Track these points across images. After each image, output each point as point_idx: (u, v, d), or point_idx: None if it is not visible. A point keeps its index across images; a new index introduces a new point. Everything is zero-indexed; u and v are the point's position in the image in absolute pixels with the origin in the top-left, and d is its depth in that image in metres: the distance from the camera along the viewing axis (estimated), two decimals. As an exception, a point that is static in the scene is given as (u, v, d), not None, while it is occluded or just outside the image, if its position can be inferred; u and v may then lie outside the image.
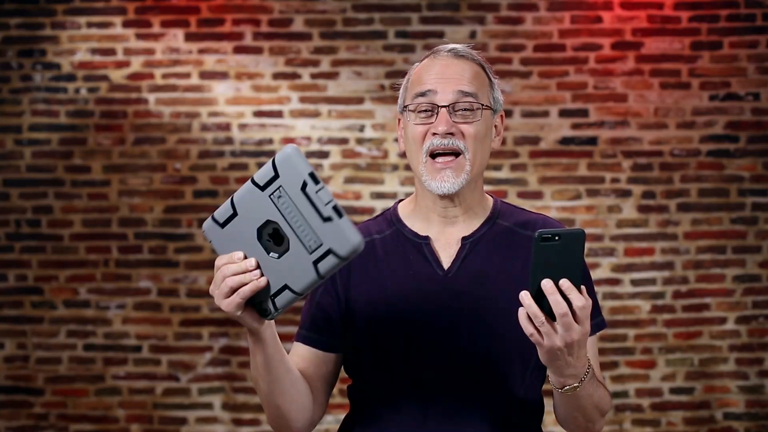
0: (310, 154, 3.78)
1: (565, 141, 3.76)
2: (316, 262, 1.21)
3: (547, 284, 1.23)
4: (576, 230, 1.25)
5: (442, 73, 1.50)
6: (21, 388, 3.80)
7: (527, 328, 1.26)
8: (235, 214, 1.25)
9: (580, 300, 1.24)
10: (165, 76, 3.80)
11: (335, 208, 1.18)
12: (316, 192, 1.18)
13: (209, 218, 1.28)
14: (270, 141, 3.78)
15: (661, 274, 3.74)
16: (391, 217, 1.58)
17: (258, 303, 1.27)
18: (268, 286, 1.25)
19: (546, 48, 3.76)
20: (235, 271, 1.24)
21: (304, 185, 1.18)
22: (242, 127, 3.79)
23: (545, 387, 1.58)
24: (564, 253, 1.24)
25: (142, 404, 3.77)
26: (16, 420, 3.78)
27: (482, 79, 1.52)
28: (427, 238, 1.52)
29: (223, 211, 1.26)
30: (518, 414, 1.50)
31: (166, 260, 3.79)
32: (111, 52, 3.81)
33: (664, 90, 3.75)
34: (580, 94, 3.76)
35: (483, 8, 3.77)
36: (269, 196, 1.21)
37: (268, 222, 1.23)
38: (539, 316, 1.24)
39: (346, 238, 1.18)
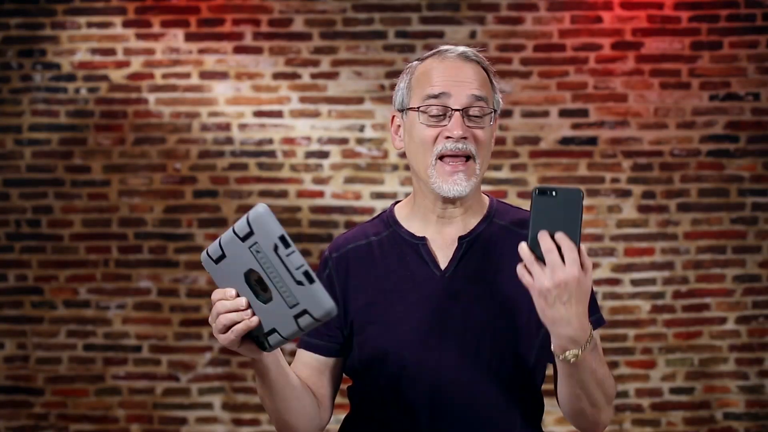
0: (310, 154, 3.78)
1: (565, 141, 3.76)
2: (296, 317, 1.22)
3: (541, 234, 1.26)
4: (573, 188, 1.28)
5: (455, 75, 1.49)
6: (21, 388, 3.80)
7: (523, 276, 1.27)
8: (224, 256, 1.25)
9: (570, 249, 1.25)
10: (165, 76, 3.80)
11: (306, 274, 1.19)
12: (287, 256, 1.19)
13: (205, 251, 1.29)
14: (270, 141, 3.78)
15: (661, 274, 3.74)
16: (387, 219, 1.58)
17: (255, 336, 1.29)
18: (260, 324, 1.26)
19: (546, 48, 3.76)
20: (228, 308, 1.26)
21: (276, 247, 1.19)
22: (242, 127, 3.79)
23: (545, 387, 1.58)
24: (561, 209, 1.26)
25: (142, 404, 3.77)
26: (16, 420, 3.78)
27: (488, 84, 1.52)
28: (423, 239, 1.53)
29: (214, 249, 1.27)
30: (518, 412, 1.50)
31: (166, 260, 3.79)
32: (111, 52, 3.81)
33: (664, 90, 3.75)
34: (580, 94, 3.76)
35: (483, 8, 3.77)
36: (249, 248, 1.22)
37: (251, 269, 1.23)
38: (529, 258, 1.26)
39: (319, 303, 1.20)
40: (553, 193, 1.26)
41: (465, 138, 1.46)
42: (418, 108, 1.49)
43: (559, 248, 1.26)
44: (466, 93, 1.47)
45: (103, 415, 3.78)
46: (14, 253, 3.82)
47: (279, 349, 1.36)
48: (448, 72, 1.49)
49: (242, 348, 1.30)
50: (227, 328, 1.27)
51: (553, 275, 1.25)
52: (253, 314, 1.25)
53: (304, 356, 1.55)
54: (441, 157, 1.47)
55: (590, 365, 1.34)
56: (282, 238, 1.19)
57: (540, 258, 1.26)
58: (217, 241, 1.26)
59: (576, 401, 1.40)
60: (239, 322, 1.26)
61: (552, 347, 1.32)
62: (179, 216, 3.80)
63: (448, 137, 1.46)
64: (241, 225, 1.22)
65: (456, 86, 1.48)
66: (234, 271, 1.25)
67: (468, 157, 1.47)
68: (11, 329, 3.81)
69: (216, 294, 1.28)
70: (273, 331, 1.26)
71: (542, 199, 1.26)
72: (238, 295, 1.26)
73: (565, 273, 1.25)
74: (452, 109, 1.47)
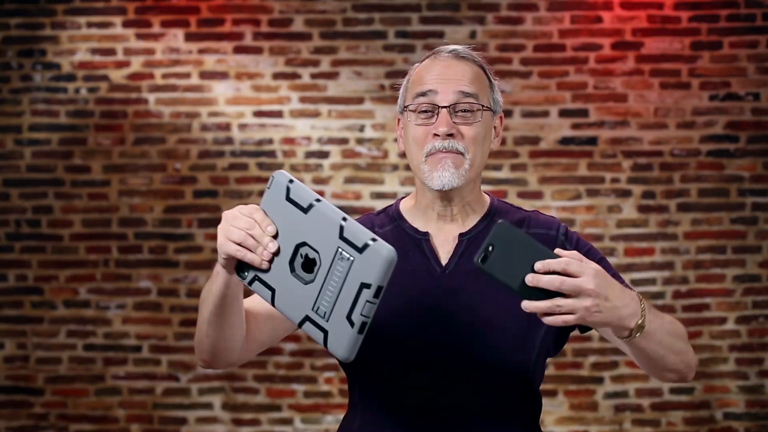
0: (310, 154, 3.78)
1: (565, 141, 3.76)
2: (308, 318, 1.21)
3: (528, 278, 1.20)
4: (496, 227, 1.21)
5: (443, 73, 1.50)
6: (21, 388, 3.80)
7: (557, 322, 1.21)
8: (304, 211, 1.20)
9: (560, 262, 1.20)
10: (165, 76, 3.80)
11: (363, 324, 1.18)
12: (367, 301, 1.16)
13: (287, 178, 1.22)
14: (270, 141, 3.78)
15: (661, 274, 3.74)
16: (393, 213, 1.59)
17: (244, 264, 1.26)
18: (267, 271, 1.23)
19: (546, 48, 3.76)
20: (256, 235, 1.23)
21: (368, 286, 1.16)
22: (242, 127, 3.79)
23: (544, 387, 1.58)
24: (511, 249, 1.20)
25: (142, 404, 3.77)
26: (16, 420, 3.78)
27: (483, 81, 1.53)
28: (426, 234, 1.53)
29: (301, 194, 1.21)
30: (517, 410, 1.50)
31: (166, 260, 3.80)
32: (111, 52, 3.81)
33: (664, 90, 3.75)
34: (580, 94, 3.76)
35: (483, 8, 3.77)
36: (338, 248, 1.17)
37: (317, 252, 1.19)
38: (548, 304, 1.21)
39: (345, 347, 1.18)
40: (490, 249, 1.20)
41: (451, 135, 1.46)
42: (409, 107, 1.51)
43: (556, 273, 1.20)
44: (453, 89, 1.48)
45: (103, 415, 3.78)
46: (14, 253, 3.82)
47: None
48: (437, 70, 1.51)
49: (228, 260, 1.27)
50: (238, 244, 1.24)
51: (583, 293, 1.20)
52: (270, 262, 1.23)
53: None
54: (431, 155, 1.48)
55: (656, 324, 1.32)
56: (379, 289, 1.16)
57: (552, 295, 1.20)
58: (311, 194, 1.20)
59: (663, 361, 1.38)
60: (252, 253, 1.23)
61: (618, 337, 1.29)
62: (179, 216, 3.80)
63: (435, 135, 1.47)
64: (354, 232, 1.16)
65: (443, 83, 1.49)
66: (295, 227, 1.20)
67: (458, 154, 1.47)
68: (11, 329, 3.81)
69: (258, 214, 1.24)
70: (270, 288, 1.23)
71: (490, 262, 1.20)
72: (275, 238, 1.22)
73: (589, 280, 1.20)
74: (439, 107, 1.48)
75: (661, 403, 3.73)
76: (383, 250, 1.15)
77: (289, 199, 1.22)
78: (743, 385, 3.73)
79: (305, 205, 1.20)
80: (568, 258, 1.21)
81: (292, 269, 1.22)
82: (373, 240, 1.16)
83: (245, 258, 1.24)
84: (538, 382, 1.55)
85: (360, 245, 1.16)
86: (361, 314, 1.16)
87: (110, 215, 3.81)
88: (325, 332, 1.19)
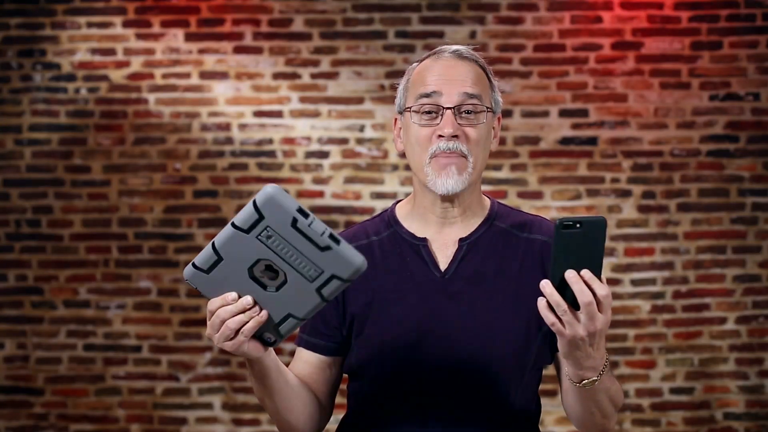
0: (310, 154, 3.78)
1: (565, 141, 3.76)
2: (319, 288, 1.21)
3: (570, 274, 1.21)
4: (597, 217, 1.22)
5: (447, 74, 1.49)
6: (21, 388, 3.80)
7: (548, 318, 1.23)
8: (220, 259, 1.22)
9: (603, 289, 1.22)
10: (165, 76, 3.80)
11: (331, 236, 1.17)
12: (309, 225, 1.17)
13: (190, 266, 1.24)
14: (270, 141, 3.78)
15: (661, 274, 3.74)
16: (388, 218, 1.57)
17: (260, 335, 1.27)
18: (269, 318, 1.25)
19: (546, 48, 3.76)
20: (233, 312, 1.23)
21: (294, 221, 1.16)
22: (242, 127, 3.79)
23: (544, 387, 1.59)
24: (585, 241, 1.21)
25: (142, 404, 3.77)
26: (16, 420, 3.78)
27: (484, 82, 1.52)
28: (424, 239, 1.52)
29: (205, 257, 1.22)
30: (516, 414, 1.50)
31: (166, 260, 3.79)
32: (111, 52, 3.81)
33: (664, 90, 3.75)
34: (580, 94, 3.76)
35: (483, 8, 3.77)
36: (256, 237, 1.19)
37: (258, 260, 1.21)
38: (562, 304, 1.21)
39: (348, 261, 1.18)
40: (578, 225, 1.20)
41: (456, 137, 1.46)
42: (412, 108, 1.50)
43: (590, 288, 1.21)
44: (458, 91, 1.47)
45: (103, 415, 3.78)
46: (14, 253, 3.82)
47: (274, 350, 1.35)
48: (440, 71, 1.49)
49: (249, 349, 1.27)
50: (236, 332, 1.24)
51: (589, 325, 1.22)
52: (261, 309, 1.24)
53: (304, 354, 1.55)
54: (435, 156, 1.47)
55: (605, 386, 1.35)
56: (300, 210, 1.16)
57: (570, 300, 1.22)
58: (207, 248, 1.22)
59: (589, 417, 1.42)
60: (248, 322, 1.23)
61: (569, 375, 1.32)
62: (179, 216, 3.80)
63: (440, 136, 1.46)
64: (245, 216, 1.18)
65: (447, 84, 1.47)
66: (233, 271, 1.22)
67: (462, 157, 1.47)
68: (11, 329, 3.81)
69: (213, 303, 1.24)
70: (287, 317, 1.24)
71: (566, 233, 1.20)
72: (239, 296, 1.24)
73: (601, 322, 1.22)
74: (444, 108, 1.47)
75: (661, 403, 3.73)
76: (266, 191, 1.17)
77: (206, 270, 1.23)
78: (743, 385, 3.73)
79: (215, 256, 1.22)
80: (608, 292, 1.23)
81: (273, 288, 1.23)
82: (254, 200, 1.18)
83: (249, 332, 1.24)
84: (537, 384, 1.55)
85: (256, 215, 1.17)
86: (321, 236, 1.17)
87: (110, 215, 3.81)
88: (333, 276, 1.20)
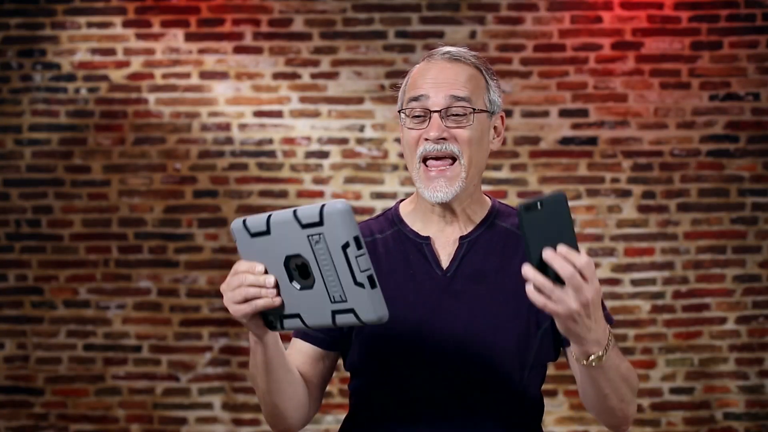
0: (310, 154, 3.78)
1: (565, 141, 3.76)
2: (335, 312, 1.22)
3: (547, 253, 1.21)
4: (556, 194, 1.23)
5: (436, 77, 1.50)
6: (21, 388, 3.80)
7: (538, 301, 1.22)
8: (267, 233, 1.24)
9: (581, 259, 1.21)
10: (165, 76, 3.80)
11: (370, 278, 1.18)
12: (356, 257, 1.18)
13: (241, 221, 1.27)
14: (270, 141, 3.79)
15: (661, 274, 3.74)
16: (392, 216, 1.59)
17: (266, 314, 1.29)
18: (281, 305, 1.26)
19: (546, 48, 3.76)
20: (253, 282, 1.25)
21: (346, 245, 1.18)
22: (242, 127, 3.79)
23: (544, 387, 1.59)
24: (552, 219, 1.22)
25: (142, 404, 3.77)
26: (16, 420, 3.78)
27: (477, 82, 1.51)
28: (427, 238, 1.53)
29: (256, 223, 1.25)
30: (518, 412, 1.50)
31: (166, 260, 3.80)
32: (111, 52, 3.81)
33: (664, 90, 3.76)
34: (580, 94, 3.76)
35: (483, 8, 3.77)
36: (308, 236, 1.20)
37: (299, 255, 1.22)
38: (547, 284, 1.21)
39: (372, 308, 1.19)
40: (539, 206, 1.21)
41: (444, 139, 1.46)
42: (404, 110, 1.51)
43: (570, 262, 1.21)
44: (444, 94, 1.48)
45: (103, 415, 3.78)
46: (14, 253, 3.82)
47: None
48: (430, 74, 1.51)
49: (250, 322, 1.29)
50: (246, 300, 1.26)
51: (579, 296, 1.21)
52: (278, 294, 1.25)
53: (299, 344, 1.55)
54: (425, 160, 1.48)
55: (614, 363, 1.33)
56: (357, 239, 1.18)
57: (553, 278, 1.22)
58: (263, 216, 1.24)
59: (605, 401, 1.39)
60: (261, 298, 1.25)
61: (575, 356, 1.31)
62: (179, 216, 3.80)
63: (426, 139, 1.47)
64: (308, 213, 1.19)
65: (435, 88, 1.49)
66: (272, 250, 1.24)
67: (453, 159, 1.47)
68: (11, 329, 3.81)
69: (241, 265, 1.27)
70: (295, 316, 1.26)
71: (530, 215, 1.21)
72: (266, 272, 1.25)
73: (590, 290, 1.22)
74: (430, 111, 1.48)
75: (661, 403, 3.73)
76: (336, 206, 1.18)
77: (252, 234, 1.26)
78: (743, 385, 3.73)
79: (265, 228, 1.24)
80: (588, 261, 1.22)
81: (298, 285, 1.24)
82: (323, 206, 1.19)
83: (258, 307, 1.26)
84: (540, 383, 1.55)
85: (317, 219, 1.18)
86: (361, 271, 1.18)
87: (110, 215, 3.81)
88: (352, 310, 1.20)
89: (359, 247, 1.18)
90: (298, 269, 1.23)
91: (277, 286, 1.25)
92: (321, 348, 1.54)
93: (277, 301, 1.25)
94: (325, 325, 1.24)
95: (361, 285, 1.18)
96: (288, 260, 1.23)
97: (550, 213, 1.22)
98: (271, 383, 1.41)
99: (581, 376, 1.39)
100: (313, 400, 1.52)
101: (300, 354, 1.54)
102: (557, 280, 1.22)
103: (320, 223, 1.18)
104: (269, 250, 1.24)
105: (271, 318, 1.29)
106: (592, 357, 1.29)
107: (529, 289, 1.23)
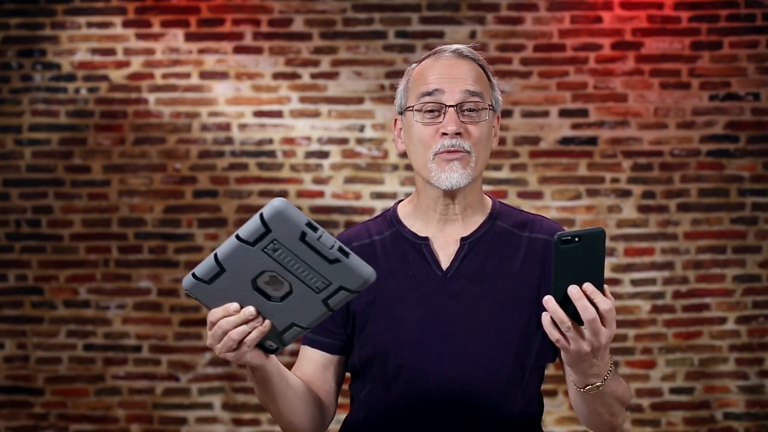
0: (310, 154, 3.78)
1: (565, 141, 3.76)
2: (325, 299, 1.20)
3: (573, 290, 1.20)
4: (596, 230, 1.21)
5: (448, 72, 1.50)
6: (21, 388, 3.80)
7: (552, 334, 1.23)
8: (222, 271, 1.20)
9: (606, 303, 1.21)
10: (165, 76, 3.80)
11: (341, 249, 1.16)
12: (318, 239, 1.15)
13: (190, 276, 1.21)
14: (270, 141, 3.78)
15: (661, 274, 3.74)
16: (390, 218, 1.58)
17: (261, 343, 1.27)
18: (273, 327, 1.24)
19: (546, 48, 3.76)
20: (236, 322, 1.21)
21: (303, 235, 1.15)
22: (242, 127, 3.79)
23: (544, 387, 1.59)
24: (585, 254, 1.20)
25: (142, 404, 3.77)
26: (16, 420, 3.78)
27: (485, 80, 1.53)
28: (426, 239, 1.53)
29: (207, 268, 1.20)
30: (518, 413, 1.50)
31: (166, 260, 3.79)
32: (111, 52, 3.81)
33: (664, 90, 3.75)
34: (580, 94, 3.76)
35: (483, 8, 3.77)
36: (262, 250, 1.17)
37: (262, 272, 1.19)
38: (566, 321, 1.21)
39: (357, 274, 1.18)
40: (576, 239, 1.19)
41: (459, 134, 1.46)
42: (414, 107, 1.50)
43: (590, 301, 1.20)
44: (460, 88, 1.48)
45: (103, 415, 3.78)
46: (14, 253, 3.82)
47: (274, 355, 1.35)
48: (442, 69, 1.50)
49: (250, 358, 1.26)
50: (238, 343, 1.23)
51: (593, 340, 1.22)
52: (264, 319, 1.22)
53: (309, 353, 1.55)
54: (439, 154, 1.48)
55: (610, 388, 1.35)
56: (309, 224, 1.15)
57: (572, 314, 1.21)
58: (209, 259, 1.20)
59: (597, 417, 1.42)
60: (251, 332, 1.22)
61: (573, 381, 1.32)
62: (179, 216, 3.80)
63: (443, 134, 1.47)
64: (251, 229, 1.16)
65: (449, 83, 1.48)
66: (236, 282, 1.21)
67: (465, 152, 1.48)
68: (11, 329, 3.81)
69: (215, 313, 1.22)
70: (290, 326, 1.24)
71: (565, 248, 1.19)
72: (241, 307, 1.22)
73: (606, 336, 1.22)
74: (446, 105, 1.47)
75: (661, 403, 3.73)
76: (274, 205, 1.15)
77: (208, 281, 1.21)
78: (743, 385, 3.73)
79: (218, 268, 1.20)
80: (611, 306, 1.22)
81: (278, 298, 1.22)
82: (260, 214, 1.16)
83: (253, 341, 1.23)
84: (539, 383, 1.55)
85: (263, 229, 1.15)
86: (329, 249, 1.16)
87: (110, 215, 3.81)
88: (341, 288, 1.19)
89: (314, 229, 1.15)
90: (268, 284, 1.21)
91: (258, 312, 1.22)
92: (329, 353, 1.54)
93: (267, 325, 1.22)
94: (322, 315, 1.22)
95: (336, 261, 1.16)
96: (255, 282, 1.20)
97: (585, 248, 1.20)
98: (282, 405, 1.41)
99: (575, 394, 1.41)
100: (327, 406, 1.53)
101: (311, 362, 1.54)
102: (575, 316, 1.21)
103: (267, 230, 1.15)
104: (232, 285, 1.21)
105: (267, 343, 1.27)
106: (590, 387, 1.31)
107: (546, 321, 1.23)
